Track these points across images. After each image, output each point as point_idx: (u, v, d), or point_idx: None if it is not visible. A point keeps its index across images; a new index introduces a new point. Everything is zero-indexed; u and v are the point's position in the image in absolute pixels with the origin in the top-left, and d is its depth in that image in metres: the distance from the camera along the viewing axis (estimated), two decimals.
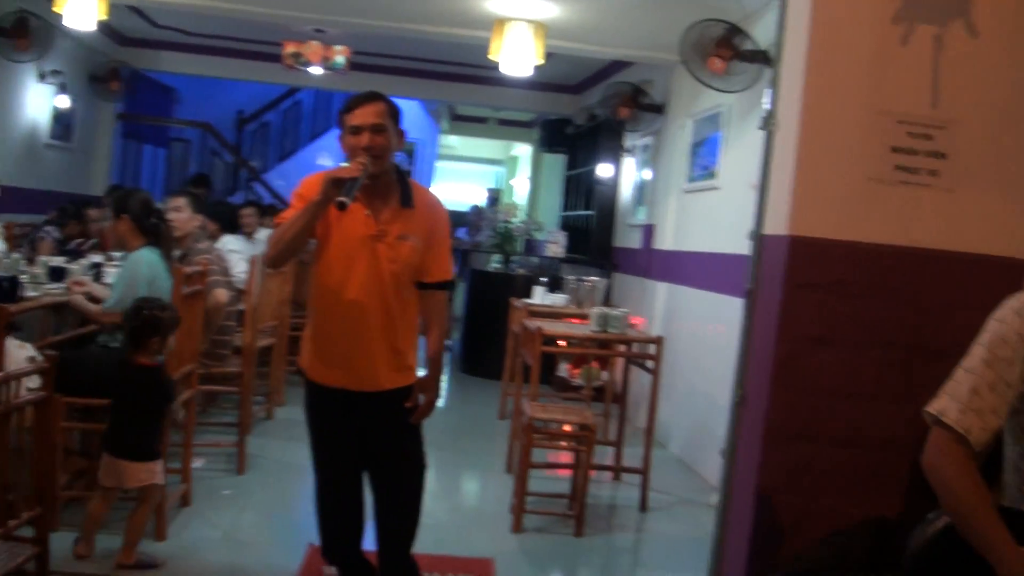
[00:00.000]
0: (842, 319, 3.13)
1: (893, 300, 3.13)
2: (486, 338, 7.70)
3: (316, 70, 8.34)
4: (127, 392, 3.56)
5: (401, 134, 2.99)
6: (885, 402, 3.12)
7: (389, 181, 2.98)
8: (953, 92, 3.12)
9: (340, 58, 8.13)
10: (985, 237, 3.16)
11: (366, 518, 3.21)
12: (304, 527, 3.95)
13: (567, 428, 4.65)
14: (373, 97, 2.92)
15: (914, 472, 3.07)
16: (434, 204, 3.13)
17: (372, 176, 2.82)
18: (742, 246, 4.75)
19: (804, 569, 3.03)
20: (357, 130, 2.88)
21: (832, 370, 3.14)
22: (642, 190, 7.84)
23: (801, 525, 3.17)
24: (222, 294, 4.75)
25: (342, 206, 2.67)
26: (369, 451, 3.11)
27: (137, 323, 3.61)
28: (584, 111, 9.43)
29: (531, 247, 10.27)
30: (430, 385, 3.15)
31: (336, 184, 2.72)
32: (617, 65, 8.49)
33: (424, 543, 3.27)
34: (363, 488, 3.18)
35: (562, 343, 5.19)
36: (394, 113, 2.96)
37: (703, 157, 6.34)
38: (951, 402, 1.80)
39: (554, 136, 10.45)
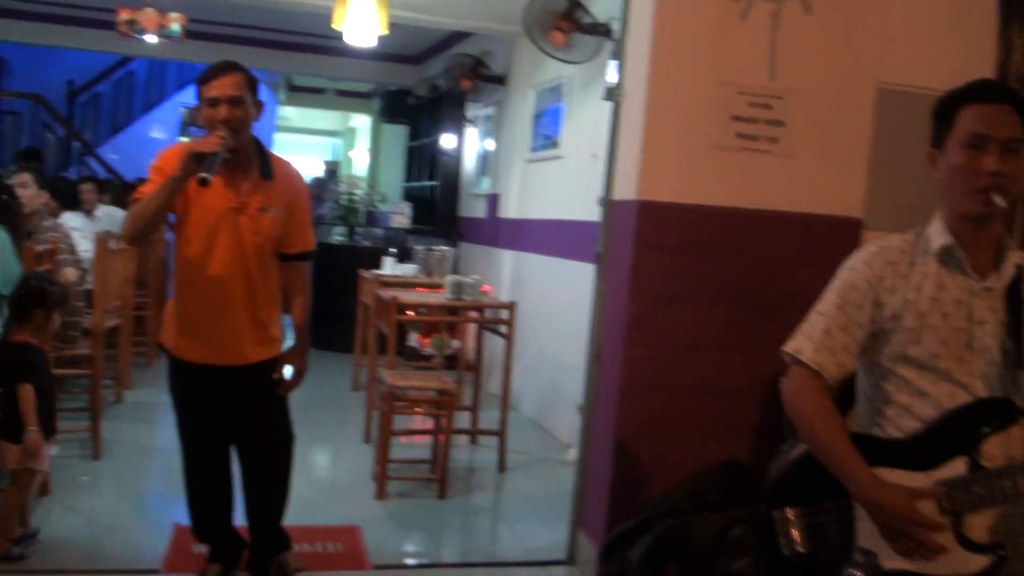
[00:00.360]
0: (690, 278, 3.34)
1: (738, 259, 3.37)
2: (334, 311, 7.65)
3: (151, 38, 7.97)
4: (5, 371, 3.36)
5: (259, 105, 2.96)
6: (732, 354, 3.36)
7: (248, 153, 2.94)
8: (790, 64, 3.37)
9: (176, 26, 7.81)
10: (822, 199, 3.44)
11: (235, 492, 3.20)
12: (168, 508, 3.86)
13: (427, 396, 4.72)
14: (230, 68, 2.87)
15: (760, 417, 3.34)
16: (294, 175, 3.12)
17: (231, 149, 2.77)
18: (586, 213, 4.95)
19: (662, 512, 3.23)
20: (215, 102, 2.82)
21: (682, 326, 3.35)
22: (486, 160, 7.96)
23: (658, 472, 3.39)
24: (71, 273, 4.56)
25: (204, 182, 2.62)
26: (236, 425, 3.10)
27: (22, 292, 3.41)
28: (425, 82, 9.44)
29: (373, 218, 10.22)
30: (297, 356, 3.16)
31: (196, 159, 2.67)
32: (458, 36, 8.54)
33: (289, 516, 3.29)
34: (231, 463, 3.17)
35: (411, 313, 5.24)
36: (252, 84, 2.92)
37: (545, 127, 6.50)
38: (806, 342, 1.98)
39: (395, 107, 10.40)
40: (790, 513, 1.94)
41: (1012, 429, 1.84)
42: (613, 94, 3.60)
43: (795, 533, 1.93)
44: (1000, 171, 1.80)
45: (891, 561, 1.83)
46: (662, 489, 3.36)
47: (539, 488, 4.92)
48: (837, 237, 3.29)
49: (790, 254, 3.37)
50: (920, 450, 1.85)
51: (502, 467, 5.11)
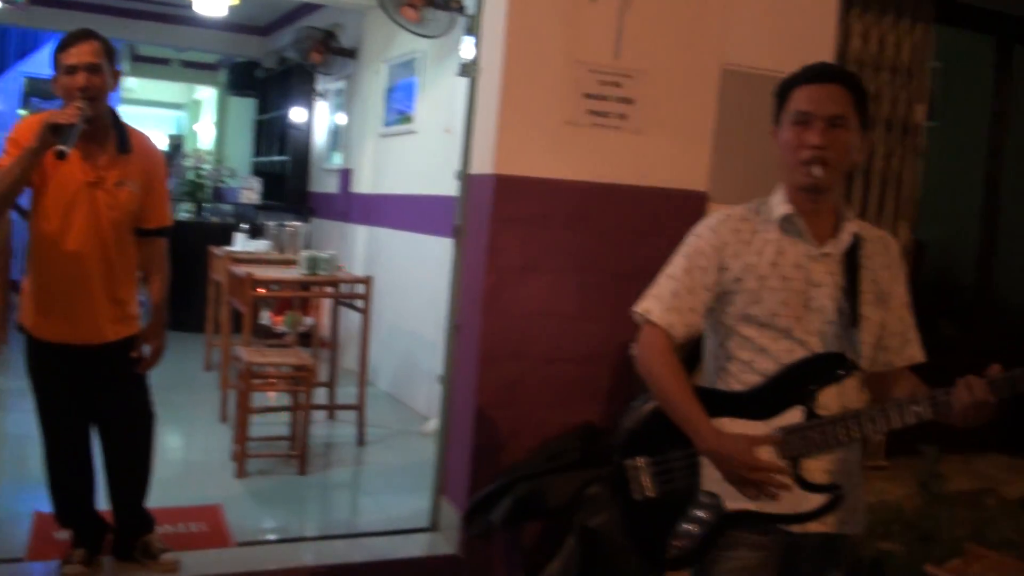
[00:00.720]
0: (545, 249, 3.46)
1: (590, 231, 3.51)
2: (183, 289, 7.40)
3: None
4: None
5: (116, 74, 2.88)
6: (585, 321, 3.50)
7: (105, 125, 2.87)
8: (638, 45, 3.51)
9: None
10: (669, 173, 3.61)
11: (97, 475, 3.13)
12: (26, 496, 3.71)
13: (284, 372, 4.69)
14: (89, 35, 2.79)
15: (613, 380, 3.50)
16: (151, 148, 3.05)
17: (88, 119, 2.70)
18: (440, 187, 5.02)
19: (521, 475, 3.35)
20: (72, 70, 2.74)
21: (537, 295, 3.47)
22: (337, 135, 7.88)
23: (517, 436, 3.50)
24: None
25: (61, 155, 2.53)
26: (96, 405, 3.03)
27: None
28: (274, 54, 9.22)
29: (221, 194, 9.94)
30: (156, 334, 3.11)
31: (54, 130, 2.58)
32: (307, 7, 8.37)
33: (151, 498, 3.26)
34: (92, 445, 3.10)
35: (262, 290, 5.18)
36: (110, 52, 2.84)
37: (398, 102, 6.49)
38: (656, 303, 2.10)
39: (242, 79, 10.10)
40: (640, 462, 2.07)
41: (846, 380, 2.01)
42: (468, 70, 3.66)
43: (645, 479, 2.06)
44: (820, 144, 1.95)
45: (733, 503, 1.98)
46: (521, 453, 3.48)
47: (399, 459, 4.98)
48: (684, 209, 3.48)
49: (640, 225, 3.53)
50: (760, 401, 2.00)
51: (361, 441, 5.13)
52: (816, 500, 1.98)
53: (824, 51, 3.85)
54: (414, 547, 3.70)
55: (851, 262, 2.04)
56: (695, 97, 3.63)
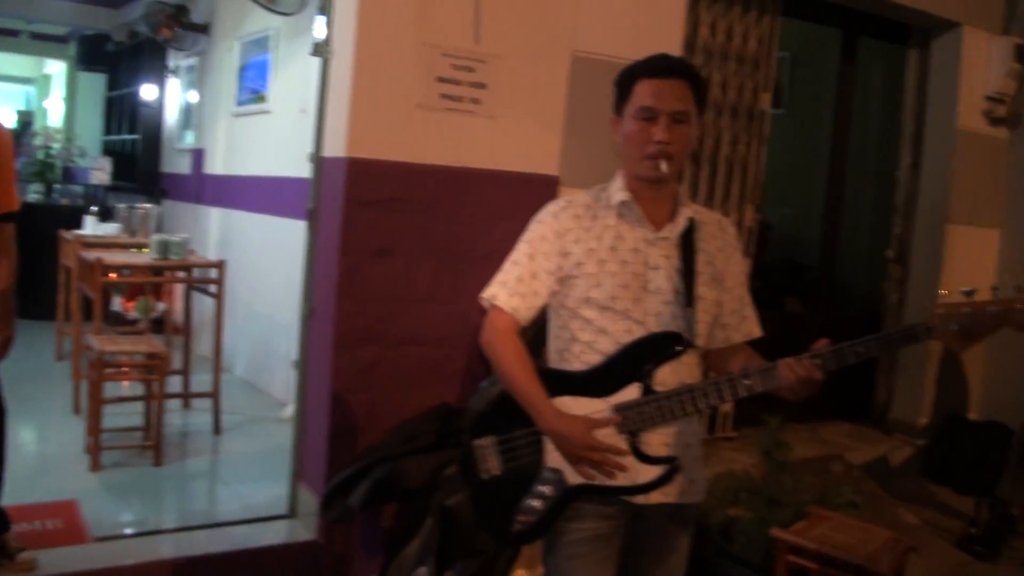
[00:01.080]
0: (399, 233, 3.45)
1: (443, 214, 3.52)
2: (32, 276, 7.05)
3: None
4: None
5: None
6: (438, 304, 3.52)
7: None
8: (491, 30, 3.53)
9: None
10: (521, 157, 3.65)
11: None
12: None
13: (137, 361, 4.54)
14: None
15: (467, 362, 3.54)
16: None
17: None
18: (294, 169, 4.93)
19: (378, 458, 3.35)
20: None
21: (391, 279, 3.46)
22: (189, 113, 7.62)
23: (374, 420, 3.50)
24: None
25: None
26: None
27: None
28: (125, 27, 8.80)
29: (71, 174, 9.47)
30: (4, 323, 2.97)
31: None
32: None
33: (3, 496, 3.12)
34: None
35: (113, 275, 4.99)
36: None
37: (251, 80, 6.32)
38: (502, 288, 2.16)
39: (92, 53, 9.60)
40: (487, 441, 2.13)
41: (683, 357, 2.09)
42: (321, 50, 3.59)
43: (491, 459, 2.12)
44: (666, 140, 2.03)
45: (576, 477, 2.05)
46: (378, 437, 3.47)
47: (256, 447, 4.89)
48: (535, 193, 3.50)
49: (493, 209, 3.56)
50: (600, 380, 2.08)
51: (218, 429, 5.02)
52: (655, 472, 2.06)
53: (673, 40, 3.96)
54: (273, 535, 3.65)
55: (687, 245, 2.13)
56: (547, 83, 3.68)
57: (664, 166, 2.04)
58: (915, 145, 5.69)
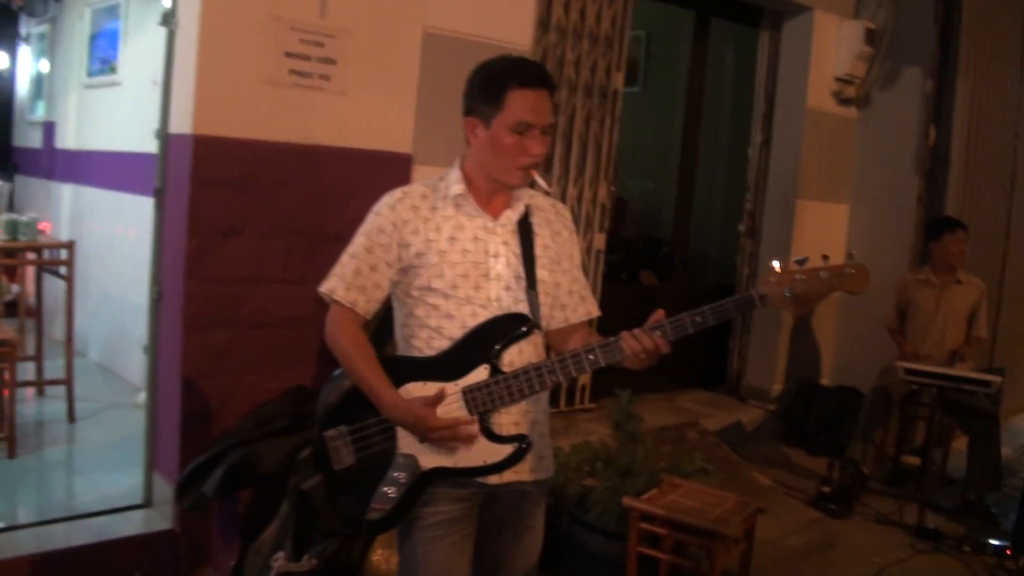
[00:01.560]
0: (249, 212, 3.37)
1: (294, 193, 3.46)
2: None
3: None
4: None
5: None
6: (291, 285, 3.47)
7: None
8: (341, 4, 3.46)
9: None
10: (373, 135, 3.61)
11: None
12: None
13: None
14: None
15: (322, 342, 3.48)
16: None
17: None
18: (148, 145, 4.74)
19: (232, 443, 3.29)
20: None
21: (242, 260, 3.39)
22: (41, 84, 7.22)
23: (228, 404, 3.43)
24: None
25: None
26: None
27: None
28: None
29: None
30: None
31: None
32: None
33: None
34: None
35: None
36: None
37: (103, 50, 6.03)
38: (339, 282, 2.15)
39: None
40: (339, 432, 2.13)
41: (529, 338, 2.13)
42: (167, 20, 3.46)
43: (344, 449, 2.13)
44: (542, 154, 2.08)
45: (428, 462, 2.08)
46: (233, 421, 3.41)
47: (112, 435, 4.73)
48: (389, 171, 3.50)
49: (344, 187, 3.51)
50: (448, 364, 2.09)
51: (72, 417, 4.83)
52: (506, 450, 2.09)
53: (526, 20, 3.98)
54: (129, 526, 3.55)
55: (524, 231, 2.16)
56: (398, 60, 3.65)
57: (536, 175, 2.10)
58: (766, 124, 5.91)
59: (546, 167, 4.57)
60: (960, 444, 5.06)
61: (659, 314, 2.03)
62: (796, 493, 4.90)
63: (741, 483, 4.69)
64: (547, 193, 2.21)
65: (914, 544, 4.28)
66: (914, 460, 5.26)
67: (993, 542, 4.21)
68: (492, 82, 2.08)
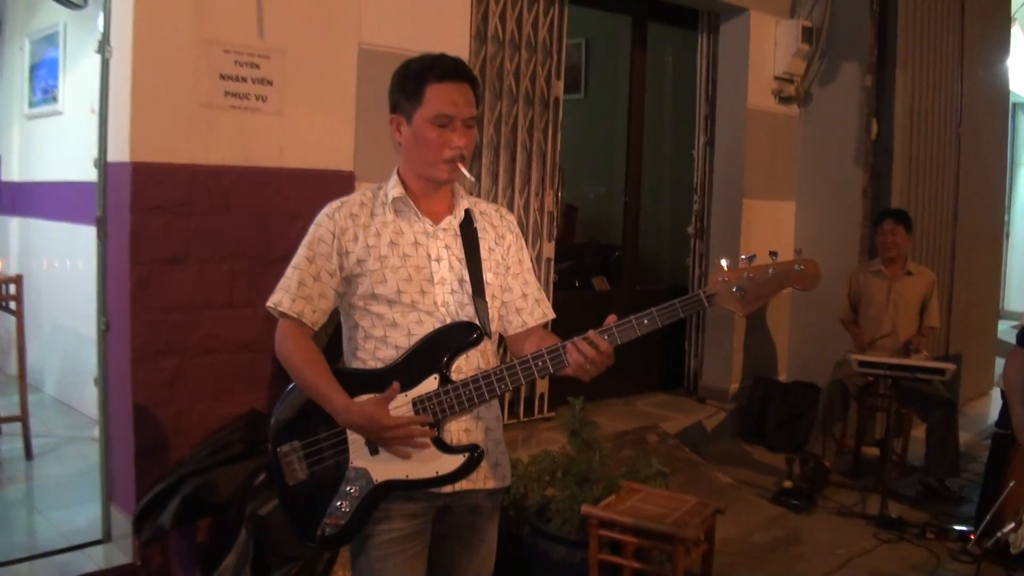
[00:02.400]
0: (191, 238, 3.35)
1: (237, 216, 3.43)
2: None
3: None
4: None
5: None
6: (238, 308, 3.44)
7: None
8: (275, 24, 3.46)
9: None
10: (314, 154, 3.60)
11: None
12: None
13: None
14: None
15: (274, 366, 3.47)
16: None
17: None
18: (92, 173, 4.70)
19: (187, 472, 3.25)
20: None
21: (187, 286, 3.36)
22: None
23: (181, 433, 3.40)
24: None
25: None
26: None
27: None
28: None
29: None
30: None
31: None
32: None
33: None
34: None
35: None
36: None
37: (44, 79, 5.96)
38: (285, 294, 2.14)
39: None
40: (292, 447, 2.12)
41: (480, 345, 2.12)
42: (102, 47, 3.44)
43: (296, 464, 2.11)
44: (464, 146, 2.08)
45: (381, 475, 2.07)
46: (187, 450, 3.38)
47: (70, 469, 4.67)
48: (331, 189, 3.48)
49: (287, 207, 3.50)
50: (398, 375, 2.07)
51: (29, 454, 4.76)
52: (458, 460, 2.09)
53: (462, 31, 3.99)
54: (90, 562, 3.50)
55: (467, 234, 2.17)
56: (335, 77, 3.64)
57: (463, 168, 2.08)
58: (709, 125, 5.97)
59: (492, 180, 4.58)
60: (919, 432, 5.13)
61: (611, 319, 2.03)
62: (758, 490, 4.93)
63: (703, 484, 4.72)
64: (471, 183, 2.19)
65: (877, 534, 4.32)
66: (874, 451, 5.33)
67: (956, 527, 4.27)
68: (411, 78, 2.10)
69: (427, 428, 2.04)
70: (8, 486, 4.46)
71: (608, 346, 2.00)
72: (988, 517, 3.52)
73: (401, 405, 2.05)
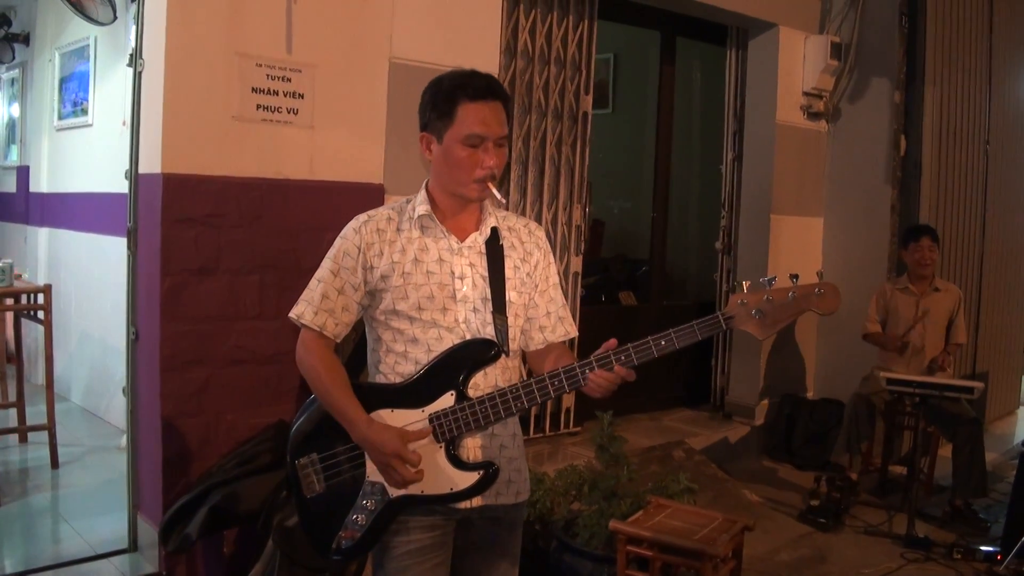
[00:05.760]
0: (221, 249, 3.36)
1: (267, 228, 3.45)
2: None
3: None
4: None
5: None
6: (267, 320, 3.45)
7: None
8: (306, 39, 3.48)
9: None
10: (344, 167, 3.62)
11: None
12: None
13: None
14: None
15: (300, 377, 3.46)
16: None
17: None
18: (121, 185, 4.74)
19: (215, 483, 3.25)
20: None
21: (217, 297, 3.37)
22: (13, 128, 7.23)
23: (208, 444, 3.40)
24: None
25: None
26: None
27: None
28: None
29: None
30: None
31: None
32: None
33: None
34: None
35: None
36: None
37: (73, 92, 6.04)
38: (308, 306, 2.15)
39: None
40: (310, 459, 2.13)
41: (498, 362, 2.11)
42: (133, 60, 3.47)
43: (314, 476, 2.12)
44: (496, 166, 2.07)
45: (397, 490, 2.06)
46: (214, 460, 3.38)
47: (96, 479, 4.69)
48: (361, 202, 3.47)
49: (317, 220, 3.51)
50: (415, 391, 2.08)
51: (55, 463, 4.79)
52: (471, 478, 2.08)
53: (491, 46, 4.00)
54: (116, 571, 3.52)
55: (493, 253, 2.15)
56: (366, 91, 3.66)
57: (494, 188, 2.07)
58: (737, 140, 5.95)
59: (520, 194, 4.58)
60: (947, 452, 5.07)
61: (611, 343, 2.00)
62: (785, 508, 4.88)
63: (729, 500, 4.68)
64: (501, 204, 2.18)
65: (904, 554, 4.27)
66: (901, 469, 5.27)
67: (983, 548, 4.21)
68: (442, 97, 2.08)
69: (417, 471, 2.02)
70: (35, 494, 4.49)
71: (622, 369, 1.98)
72: (1022, 541, 3.47)
73: (417, 420, 2.06)
